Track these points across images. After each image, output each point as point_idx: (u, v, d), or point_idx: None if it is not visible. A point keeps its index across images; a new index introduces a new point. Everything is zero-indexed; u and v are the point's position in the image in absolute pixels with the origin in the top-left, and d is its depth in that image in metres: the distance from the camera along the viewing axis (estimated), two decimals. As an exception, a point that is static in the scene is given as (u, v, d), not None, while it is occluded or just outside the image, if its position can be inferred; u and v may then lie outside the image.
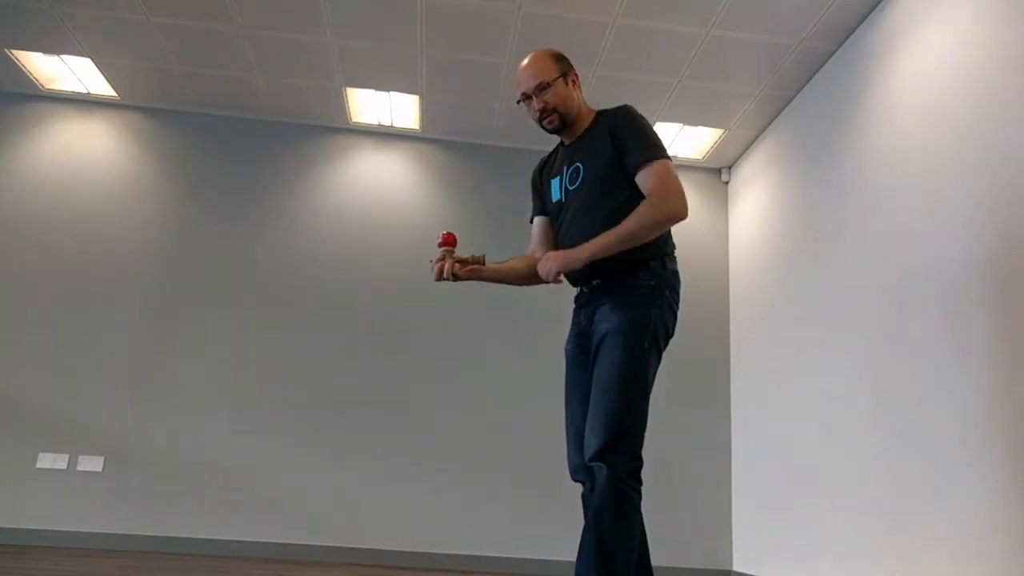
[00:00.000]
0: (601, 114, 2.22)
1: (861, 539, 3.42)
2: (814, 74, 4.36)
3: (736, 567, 4.76)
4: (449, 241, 2.15)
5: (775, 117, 4.85)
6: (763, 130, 5.03)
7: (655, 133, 2.11)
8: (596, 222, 2.02)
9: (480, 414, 4.92)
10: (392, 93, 4.92)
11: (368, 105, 5.09)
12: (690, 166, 5.57)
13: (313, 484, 4.70)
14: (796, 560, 4.00)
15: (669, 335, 2.06)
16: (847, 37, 4.01)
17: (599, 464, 1.90)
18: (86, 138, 5.18)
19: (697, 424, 5.06)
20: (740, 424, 4.95)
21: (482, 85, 4.73)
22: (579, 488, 2.11)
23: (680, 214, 1.96)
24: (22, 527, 4.42)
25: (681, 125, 5.05)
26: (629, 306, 1.98)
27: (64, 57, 4.74)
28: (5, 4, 4.23)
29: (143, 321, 4.87)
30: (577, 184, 2.14)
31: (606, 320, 2.00)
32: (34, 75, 4.98)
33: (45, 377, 4.70)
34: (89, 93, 5.15)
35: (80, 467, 4.56)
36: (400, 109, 5.11)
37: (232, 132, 5.31)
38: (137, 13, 4.24)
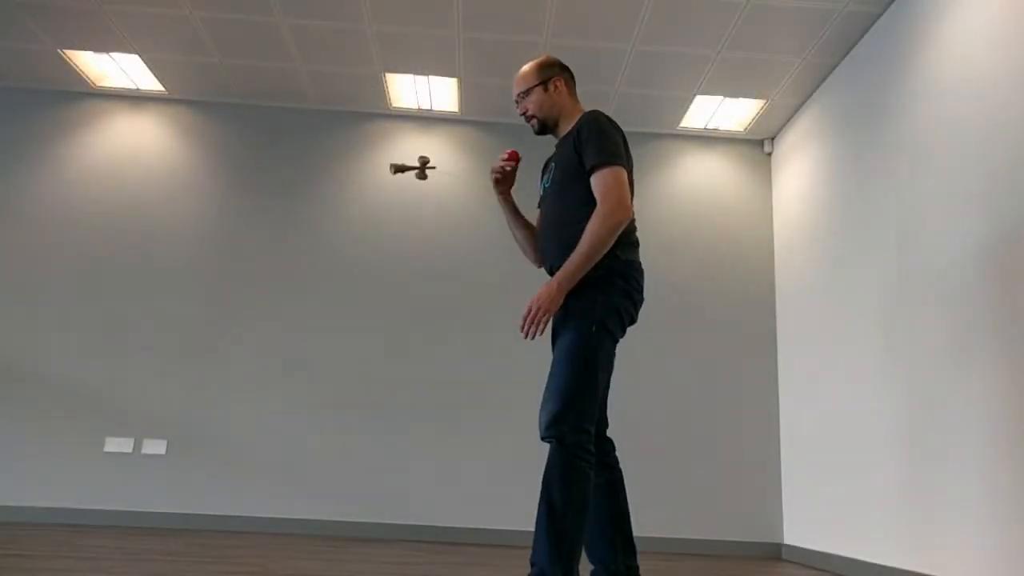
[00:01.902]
0: (580, 116, 2.35)
1: (903, 514, 3.38)
2: (860, 38, 4.26)
3: (787, 540, 4.75)
4: (514, 157, 2.41)
5: (819, 85, 4.76)
6: (807, 99, 4.94)
7: (613, 139, 2.23)
8: (554, 220, 2.28)
9: (533, 393, 4.97)
10: (431, 77, 4.95)
11: (407, 90, 5.14)
12: (731, 138, 5.51)
13: (365, 463, 4.82)
14: (846, 533, 3.98)
15: (625, 320, 2.21)
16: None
17: (548, 438, 2.07)
18: (136, 132, 5.34)
19: (746, 399, 5.04)
20: (788, 398, 4.91)
21: (519, 65, 4.73)
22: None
23: (622, 222, 2.12)
24: (91, 508, 4.63)
25: (721, 97, 4.99)
26: (578, 295, 2.15)
27: (113, 55, 4.88)
28: (56, 6, 4.38)
29: (197, 308, 5.03)
30: (550, 183, 2.35)
31: (562, 310, 2.20)
32: (86, 73, 5.14)
33: (110, 366, 4.89)
34: (138, 89, 5.30)
35: (145, 451, 4.75)
36: (439, 93, 5.15)
37: (275, 121, 5.42)
38: (181, 8, 4.34)
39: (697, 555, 4.66)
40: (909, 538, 3.41)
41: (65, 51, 4.87)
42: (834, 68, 4.57)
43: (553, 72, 2.40)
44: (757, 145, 5.54)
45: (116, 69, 5.07)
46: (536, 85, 2.37)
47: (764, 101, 5.00)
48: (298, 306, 5.08)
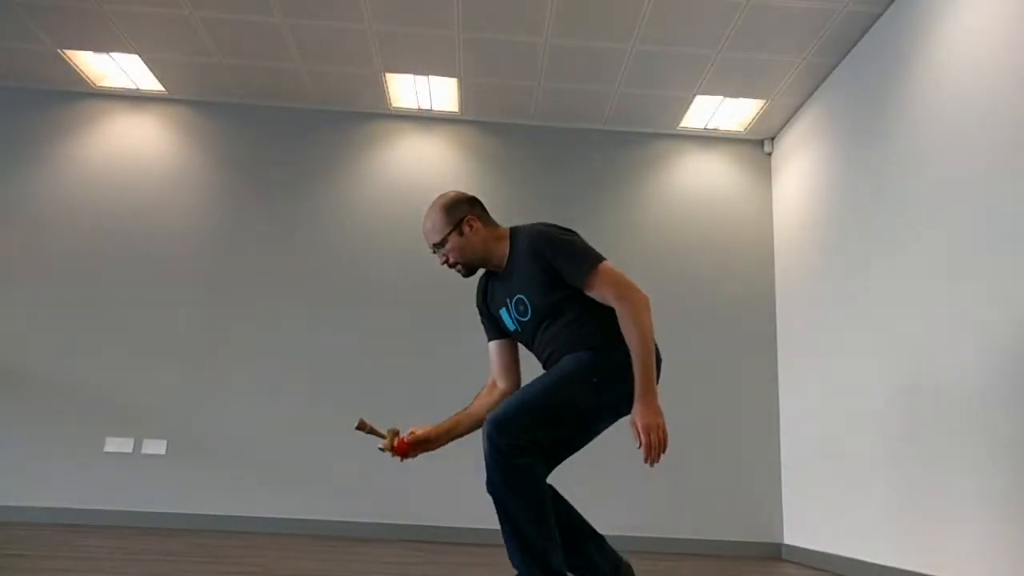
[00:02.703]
0: (515, 235, 2.22)
1: (903, 514, 3.38)
2: (860, 38, 4.26)
3: (787, 540, 4.75)
4: (404, 450, 2.37)
5: (819, 85, 4.76)
6: (807, 99, 4.94)
7: (577, 241, 2.14)
8: (564, 338, 2.12)
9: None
10: (431, 77, 4.95)
11: (407, 90, 5.13)
12: (731, 138, 5.51)
13: (365, 463, 4.81)
14: (846, 533, 3.98)
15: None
16: None
17: (485, 437, 1.96)
18: (136, 132, 5.34)
19: (745, 399, 5.04)
20: (788, 399, 4.91)
21: (520, 65, 4.73)
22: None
23: (645, 301, 2.02)
24: (91, 508, 4.63)
25: (721, 97, 4.99)
26: (601, 352, 2.06)
27: (113, 55, 4.88)
28: (56, 6, 4.37)
29: (197, 308, 5.03)
30: (529, 315, 2.18)
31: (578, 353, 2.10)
32: (85, 74, 5.14)
33: (110, 366, 4.89)
34: (138, 89, 5.30)
35: (145, 451, 4.75)
36: (439, 93, 5.15)
37: (275, 121, 5.41)
38: (181, 8, 4.34)
39: (697, 555, 4.65)
40: (909, 538, 3.41)
41: (65, 51, 4.87)
42: (834, 68, 4.57)
43: (462, 211, 2.20)
44: (757, 145, 5.54)
45: (116, 69, 5.07)
46: (450, 232, 2.18)
47: (764, 101, 5.00)
48: (298, 306, 5.08)
